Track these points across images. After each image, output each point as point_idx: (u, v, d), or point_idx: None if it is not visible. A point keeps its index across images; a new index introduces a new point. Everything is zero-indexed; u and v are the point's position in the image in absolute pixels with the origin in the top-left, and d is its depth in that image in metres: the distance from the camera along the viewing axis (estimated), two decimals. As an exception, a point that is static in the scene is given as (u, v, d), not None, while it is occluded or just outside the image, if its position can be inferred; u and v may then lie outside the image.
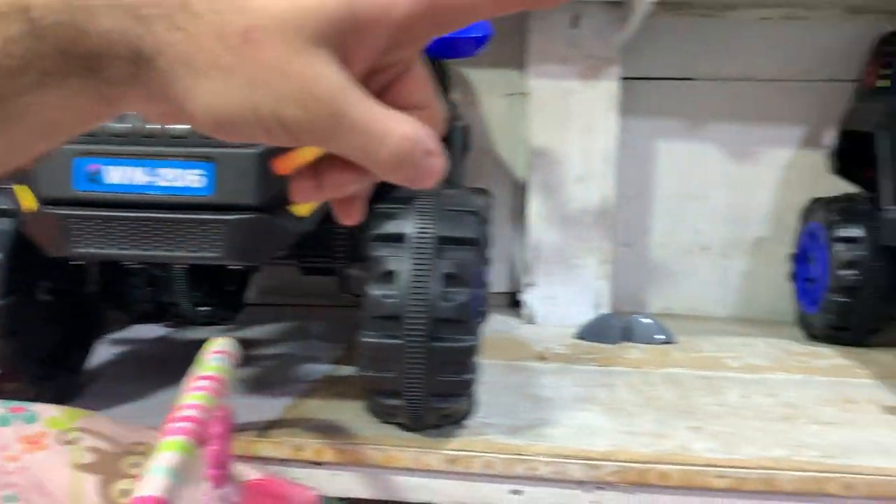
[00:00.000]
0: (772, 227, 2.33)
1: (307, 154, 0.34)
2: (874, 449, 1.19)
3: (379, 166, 0.30)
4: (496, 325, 2.10)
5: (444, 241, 1.05)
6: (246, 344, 1.88)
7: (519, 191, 2.29)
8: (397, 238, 1.05)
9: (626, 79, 2.33)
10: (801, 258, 2.08)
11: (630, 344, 1.91)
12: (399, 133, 0.30)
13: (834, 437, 1.24)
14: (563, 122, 2.09)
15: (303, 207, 1.00)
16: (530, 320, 2.14)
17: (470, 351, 1.07)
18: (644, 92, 2.37)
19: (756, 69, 2.31)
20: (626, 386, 1.52)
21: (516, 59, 2.19)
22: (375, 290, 1.04)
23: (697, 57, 2.32)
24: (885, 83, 1.96)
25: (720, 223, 2.37)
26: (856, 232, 1.84)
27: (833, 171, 2.09)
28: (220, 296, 2.01)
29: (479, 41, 1.40)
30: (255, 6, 0.27)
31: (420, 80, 0.33)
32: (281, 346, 1.82)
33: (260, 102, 0.27)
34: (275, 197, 0.97)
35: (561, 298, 2.13)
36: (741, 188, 2.35)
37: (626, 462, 1.11)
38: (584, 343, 1.91)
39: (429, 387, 1.06)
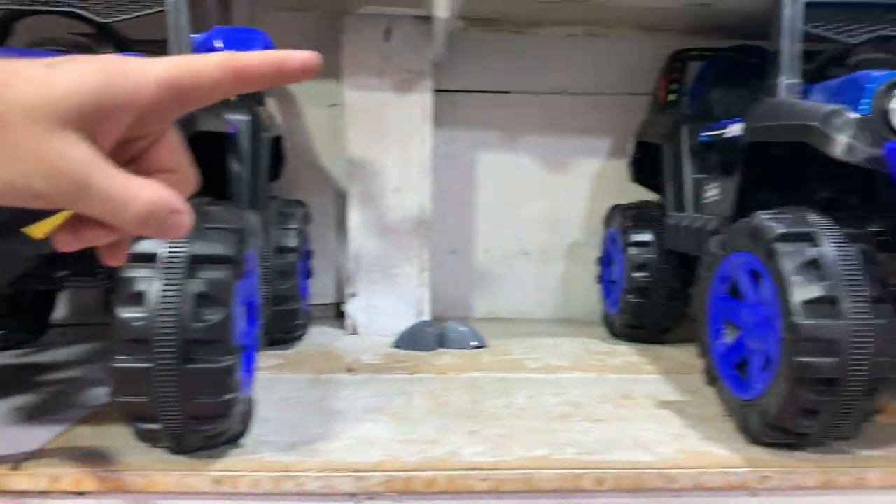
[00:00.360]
0: (585, 233, 2.45)
1: (58, 218, 0.38)
2: (632, 443, 1.28)
3: (127, 225, 0.34)
4: (317, 337, 2.09)
5: (198, 261, 1.03)
6: (39, 368, 1.79)
7: (343, 201, 2.30)
8: (148, 258, 1.02)
9: (446, 91, 2.41)
10: (605, 261, 2.21)
11: (444, 350, 1.95)
12: (142, 198, 0.33)
13: (600, 433, 1.32)
14: (379, 134, 2.11)
15: (38, 229, 0.96)
16: (353, 331, 2.15)
17: (228, 371, 1.06)
18: (464, 104, 2.43)
19: (567, 83, 2.42)
20: (425, 393, 1.55)
21: (337, 71, 2.19)
22: (124, 313, 1.01)
23: (512, 71, 2.41)
24: (674, 97, 2.12)
25: (539, 230, 2.47)
26: (647, 237, 1.96)
27: (632, 179, 2.23)
28: (17, 318, 1.90)
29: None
30: (9, 96, 0.32)
31: (172, 147, 0.38)
32: (77, 368, 1.74)
33: (12, 177, 0.32)
34: (2, 219, 0.92)
35: (382, 307, 2.15)
36: (557, 196, 2.46)
37: (393, 471, 1.14)
38: (400, 352, 1.93)
39: (185, 410, 1.04)
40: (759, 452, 1.23)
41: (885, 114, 1.13)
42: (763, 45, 1.99)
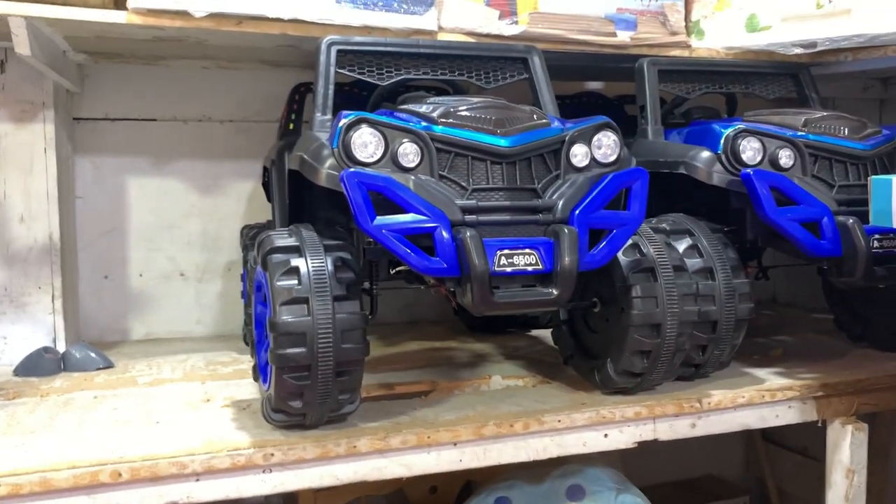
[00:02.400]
0: (240, 252, 2.61)
1: None
2: (166, 439, 1.43)
3: None
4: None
5: None
6: None
7: (-22, 232, 2.27)
8: None
9: (89, 119, 2.46)
10: (244, 278, 2.38)
11: (66, 374, 2.01)
12: None
13: (146, 434, 1.46)
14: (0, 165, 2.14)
15: None
16: (-17, 362, 2.14)
17: None
18: (110, 132, 2.48)
19: (213, 111, 2.57)
20: (4, 416, 1.59)
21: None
22: None
23: (157, 100, 2.50)
24: (292, 126, 2.34)
25: (195, 250, 2.58)
26: (264, 253, 2.17)
27: (268, 200, 2.42)
28: None
29: None
30: None
31: None
32: None
33: None
34: None
35: (13, 337, 2.14)
36: (211, 217, 2.59)
37: None
38: (17, 379, 1.96)
39: None
40: (276, 435, 1.44)
41: (346, 146, 1.39)
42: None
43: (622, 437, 1.64)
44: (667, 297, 1.54)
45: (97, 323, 2.47)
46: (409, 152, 1.39)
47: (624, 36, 2.11)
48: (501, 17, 2.00)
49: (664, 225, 1.71)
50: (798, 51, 2.10)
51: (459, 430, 1.50)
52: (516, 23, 2.02)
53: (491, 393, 1.77)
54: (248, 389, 1.81)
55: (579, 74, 2.61)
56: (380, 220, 1.32)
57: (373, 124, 1.39)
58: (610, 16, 2.09)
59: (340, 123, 1.41)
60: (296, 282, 1.35)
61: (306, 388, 1.35)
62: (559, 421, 1.57)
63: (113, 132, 2.48)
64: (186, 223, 2.57)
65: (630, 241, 1.54)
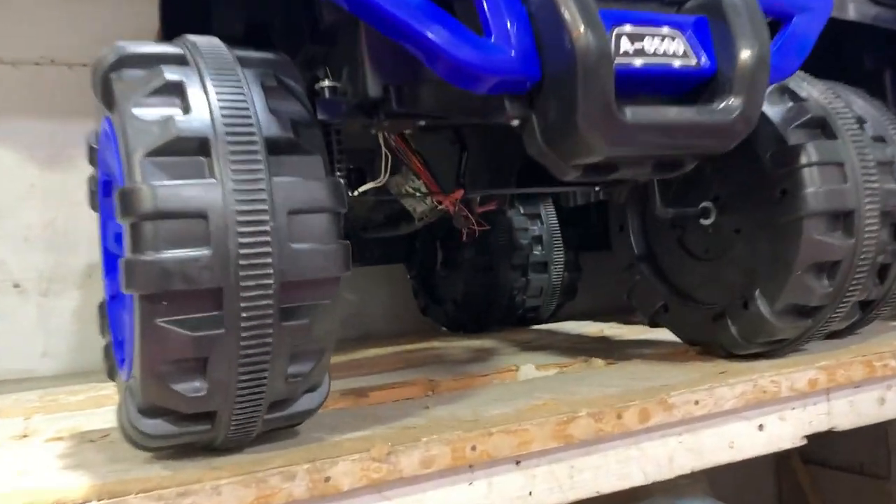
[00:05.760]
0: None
1: None
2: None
3: None
4: None
5: None
6: None
7: None
8: None
9: None
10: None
11: None
12: None
13: None
14: None
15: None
16: None
17: None
18: None
19: (58, 50, 1.79)
20: None
21: None
22: None
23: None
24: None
25: (36, 250, 1.76)
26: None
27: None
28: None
29: None
30: None
31: None
32: None
33: None
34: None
35: None
36: (60, 202, 1.77)
37: None
38: None
39: None
40: (154, 470, 0.66)
41: None
42: None
43: (785, 430, 0.94)
44: (860, 164, 0.88)
45: None
46: None
47: None
48: None
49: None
50: None
51: (530, 429, 0.76)
52: None
53: (534, 382, 1.04)
54: (106, 418, 1.02)
55: None
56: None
57: None
58: None
59: None
60: (178, 110, 0.60)
61: (213, 343, 0.59)
62: (696, 402, 0.85)
63: None
64: (22, 211, 1.76)
65: (776, 84, 0.88)
